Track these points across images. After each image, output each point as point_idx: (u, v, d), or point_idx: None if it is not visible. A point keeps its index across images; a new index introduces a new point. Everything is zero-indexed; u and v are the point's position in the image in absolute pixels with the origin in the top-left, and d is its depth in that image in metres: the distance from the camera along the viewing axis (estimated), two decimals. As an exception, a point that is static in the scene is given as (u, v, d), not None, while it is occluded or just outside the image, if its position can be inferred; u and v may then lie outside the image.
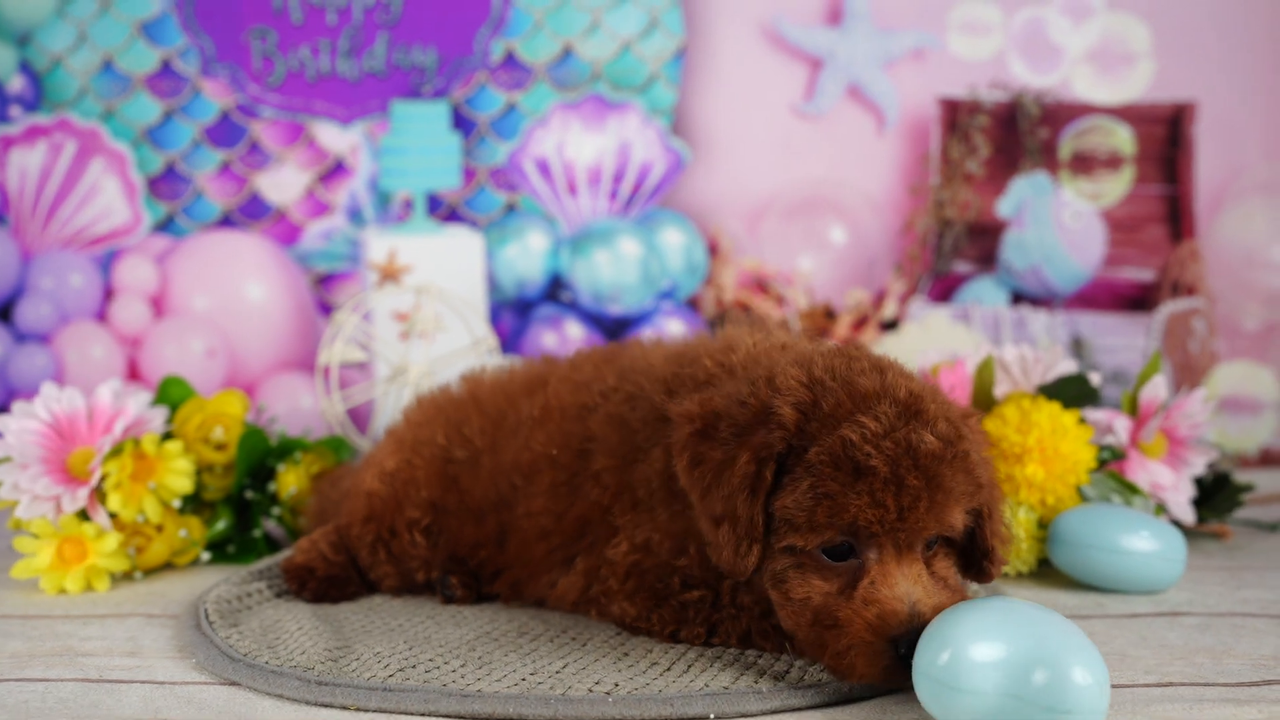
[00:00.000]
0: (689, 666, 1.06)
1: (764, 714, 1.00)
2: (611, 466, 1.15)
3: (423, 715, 1.00)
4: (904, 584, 0.98)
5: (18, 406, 1.40)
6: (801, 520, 0.98)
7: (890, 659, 0.96)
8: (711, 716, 0.99)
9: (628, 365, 1.22)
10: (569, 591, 1.18)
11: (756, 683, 1.02)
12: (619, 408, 1.17)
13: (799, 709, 1.01)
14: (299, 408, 1.87)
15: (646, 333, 1.32)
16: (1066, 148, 2.03)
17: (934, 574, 1.01)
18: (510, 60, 2.02)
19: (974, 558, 1.05)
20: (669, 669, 1.05)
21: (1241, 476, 1.64)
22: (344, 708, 1.01)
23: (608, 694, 0.99)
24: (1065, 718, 0.88)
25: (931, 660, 0.92)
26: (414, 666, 1.06)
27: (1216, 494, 1.53)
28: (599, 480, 1.16)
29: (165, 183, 2.00)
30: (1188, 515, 1.45)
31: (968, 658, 0.90)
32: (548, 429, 1.22)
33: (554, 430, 1.21)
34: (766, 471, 0.99)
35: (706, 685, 1.02)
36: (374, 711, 1.01)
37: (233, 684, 1.08)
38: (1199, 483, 1.53)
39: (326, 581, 1.29)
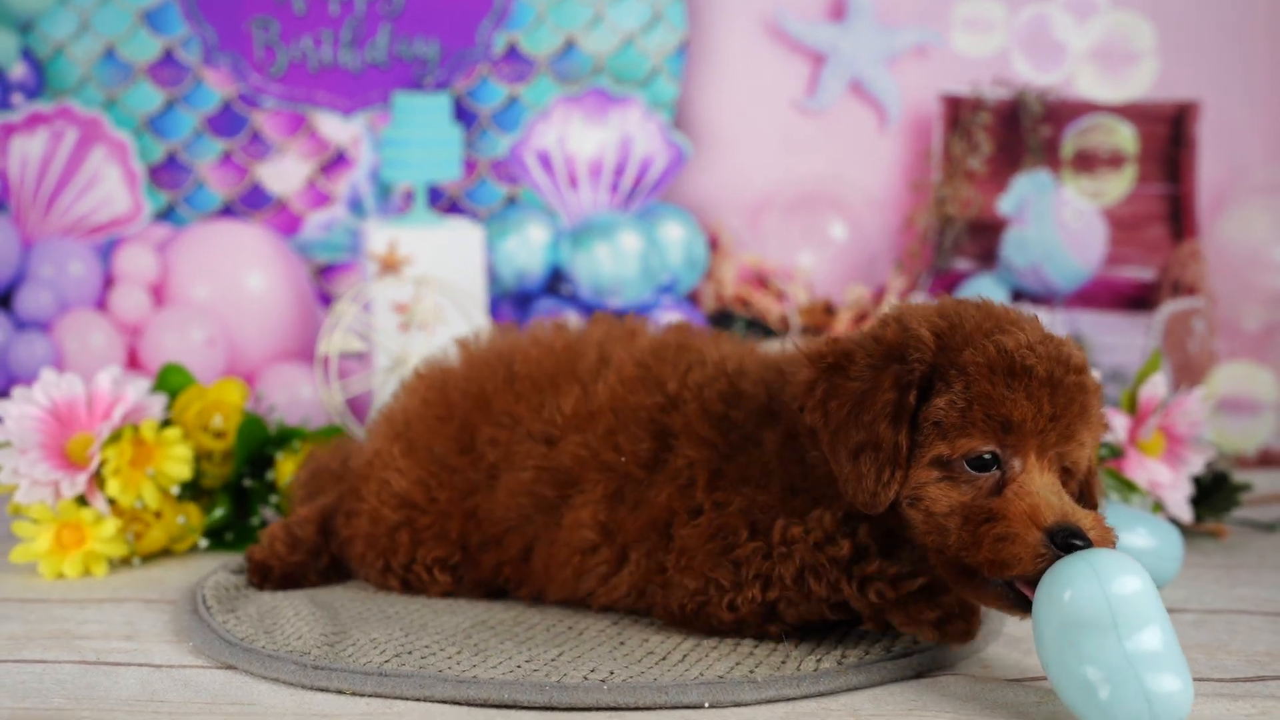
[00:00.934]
0: (684, 656, 1.06)
1: (759, 703, 1.00)
2: (704, 458, 1.10)
3: (418, 700, 1.00)
4: (1050, 488, 0.98)
5: (17, 392, 1.40)
6: (954, 420, 0.98)
7: (1047, 550, 0.95)
8: (706, 705, 0.99)
9: (709, 361, 1.17)
10: (620, 584, 1.14)
11: (752, 672, 1.02)
12: (713, 404, 1.13)
13: (793, 699, 1.01)
14: (298, 398, 1.88)
15: (692, 326, 1.25)
16: (1069, 146, 2.03)
17: None
18: (512, 53, 2.02)
19: (1080, 503, 1.04)
20: (664, 658, 1.05)
21: (1239, 476, 1.64)
22: (339, 692, 1.02)
23: (603, 682, 1.00)
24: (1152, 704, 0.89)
25: (1054, 601, 0.92)
26: (410, 652, 1.06)
27: (1214, 493, 1.54)
28: (679, 476, 1.11)
29: (166, 172, 2.00)
30: (1185, 513, 1.45)
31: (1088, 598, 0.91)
32: (596, 432, 1.15)
33: (608, 434, 1.15)
34: (909, 397, 0.99)
35: (701, 674, 1.02)
36: (369, 696, 1.01)
37: (229, 668, 1.08)
38: (1197, 482, 1.53)
39: (283, 579, 1.28)
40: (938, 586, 1.04)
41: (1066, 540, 0.95)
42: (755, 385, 1.14)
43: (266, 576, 1.28)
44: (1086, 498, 1.05)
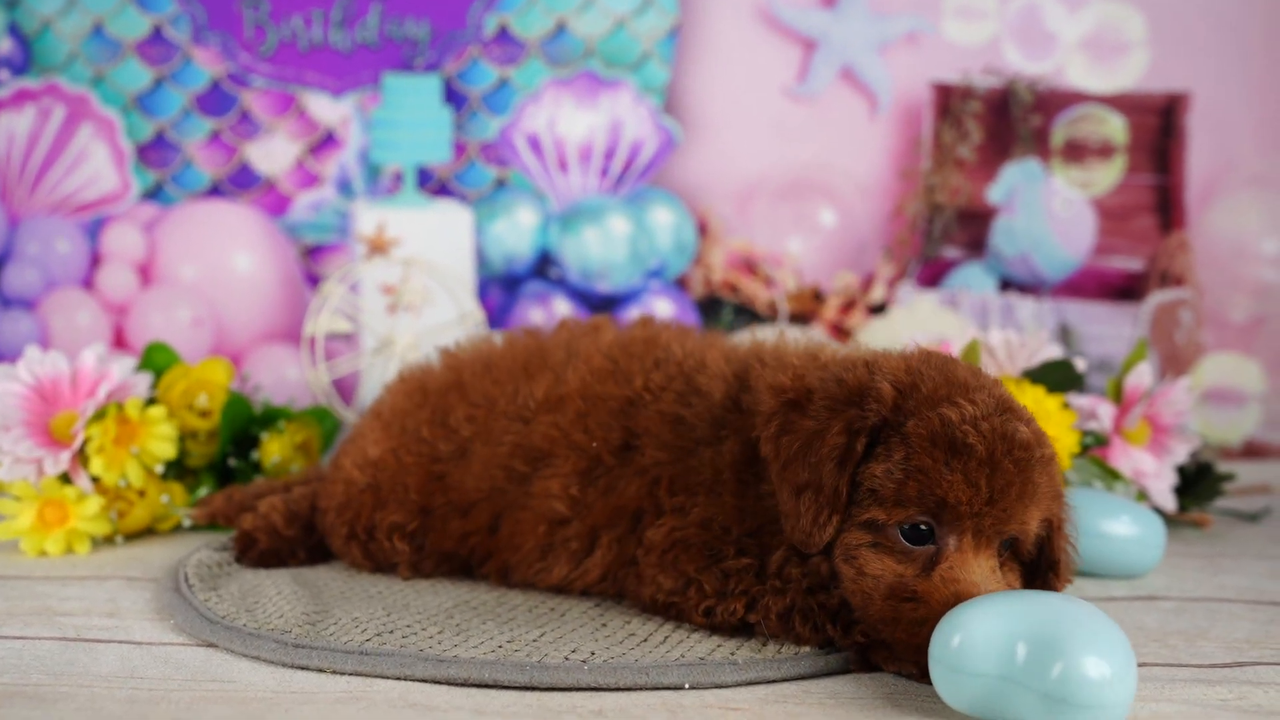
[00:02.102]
0: (665, 638, 1.06)
1: (739, 685, 1.00)
2: (664, 460, 1.13)
3: (398, 679, 1.00)
4: (980, 573, 0.97)
5: (1, 369, 1.39)
6: (889, 492, 0.98)
7: None
8: (686, 686, 0.99)
9: (672, 360, 1.19)
10: (593, 569, 1.15)
11: (733, 655, 1.03)
12: (672, 406, 1.15)
13: (774, 681, 1.01)
14: (284, 378, 1.87)
15: (656, 316, 1.28)
16: (1059, 135, 2.03)
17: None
18: (503, 35, 2.01)
19: (1038, 570, 1.04)
20: (645, 640, 1.06)
21: (1224, 467, 1.64)
22: (320, 670, 1.02)
23: (584, 662, 1.00)
24: (1077, 712, 0.87)
25: (944, 645, 0.91)
26: (391, 632, 1.06)
27: (1198, 483, 1.54)
28: (646, 474, 1.14)
29: (154, 150, 1.99)
30: (1169, 502, 1.46)
31: (977, 640, 0.90)
32: (567, 414, 1.18)
33: (578, 417, 1.18)
34: (857, 444, 0.99)
35: (683, 656, 1.02)
36: (350, 675, 1.01)
37: (210, 645, 1.08)
38: (1181, 471, 1.54)
39: (268, 554, 1.28)
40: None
41: None
42: (713, 382, 1.15)
43: (249, 548, 1.28)
44: (1046, 559, 1.04)
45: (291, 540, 1.29)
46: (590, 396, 1.19)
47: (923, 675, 1.01)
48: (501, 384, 1.24)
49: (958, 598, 0.95)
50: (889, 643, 1.00)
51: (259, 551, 1.28)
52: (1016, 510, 0.98)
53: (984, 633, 0.90)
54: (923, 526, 0.99)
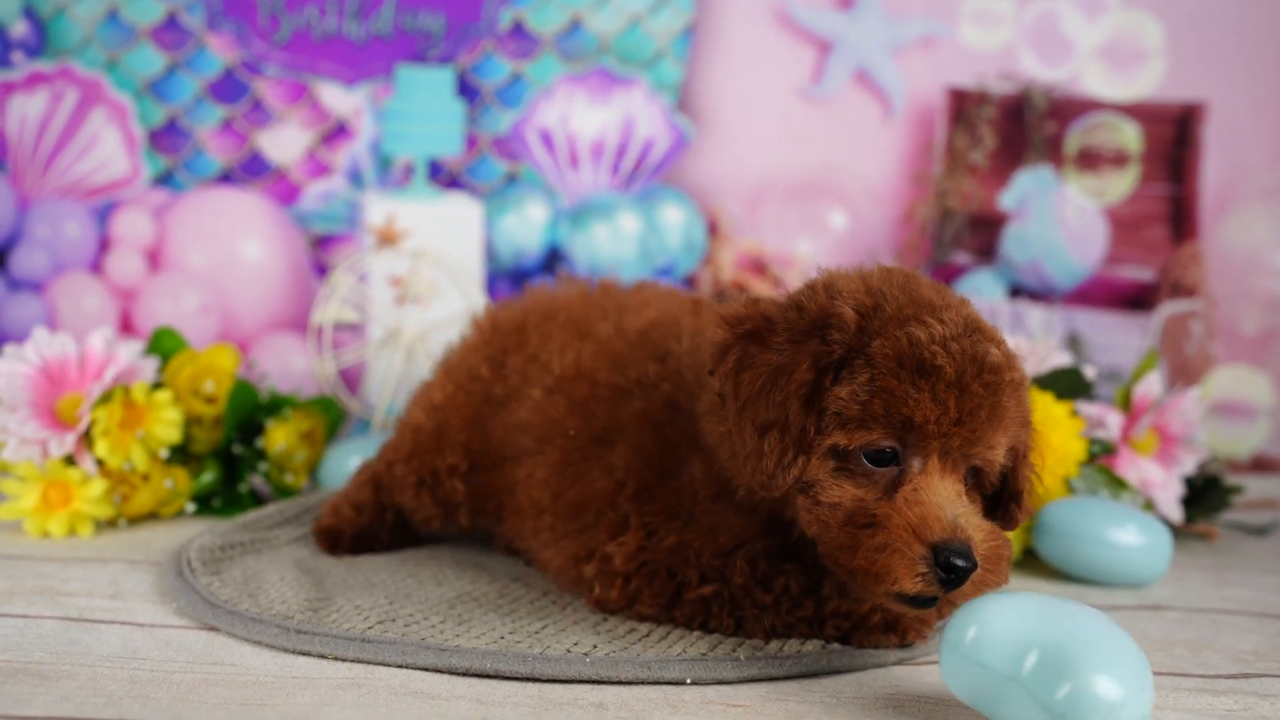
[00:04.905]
0: (667, 634, 1.06)
1: (740, 682, 1.00)
2: (637, 468, 1.09)
3: (400, 667, 1.00)
4: (945, 495, 0.92)
5: (9, 349, 1.39)
6: (854, 413, 0.92)
7: (927, 568, 0.90)
8: (688, 681, 0.99)
9: (669, 354, 1.15)
10: (560, 575, 1.14)
11: (734, 651, 1.02)
12: (660, 412, 1.10)
13: (775, 679, 1.01)
14: (291, 367, 1.87)
15: (670, 297, 1.26)
16: (1073, 143, 2.02)
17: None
18: (518, 29, 2.01)
19: (1001, 501, 1.00)
20: (647, 635, 1.05)
21: (1232, 480, 1.64)
22: (321, 656, 1.01)
23: (585, 655, 0.99)
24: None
25: (959, 634, 0.89)
26: (393, 620, 1.06)
27: (1206, 495, 1.54)
28: (612, 473, 1.10)
29: (166, 136, 1.99)
30: (1176, 513, 1.45)
31: (993, 634, 0.87)
32: (570, 396, 1.16)
33: (576, 403, 1.15)
34: (826, 379, 0.94)
35: (684, 651, 1.01)
36: (351, 661, 1.01)
37: (212, 629, 1.08)
38: (1189, 483, 1.53)
39: (355, 540, 1.28)
40: (893, 616, 1.04)
41: (948, 559, 0.89)
42: (689, 397, 1.10)
43: (337, 541, 1.28)
44: (1009, 489, 0.99)
45: (369, 525, 1.29)
46: (594, 381, 1.16)
47: (905, 644, 1.02)
48: (551, 338, 1.21)
49: (922, 521, 0.90)
50: (849, 576, 0.94)
51: (349, 539, 1.28)
52: (984, 433, 0.93)
53: (1001, 629, 0.87)
54: (885, 450, 0.93)
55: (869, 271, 1.00)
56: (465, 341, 1.31)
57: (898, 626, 1.04)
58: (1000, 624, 0.88)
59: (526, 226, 1.94)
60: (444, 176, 2.02)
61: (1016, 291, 2.01)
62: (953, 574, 0.90)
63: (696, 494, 1.07)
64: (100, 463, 1.38)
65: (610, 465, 1.10)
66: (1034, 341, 1.54)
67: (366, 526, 1.30)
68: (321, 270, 2.00)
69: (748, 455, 0.96)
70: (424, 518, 1.28)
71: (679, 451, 1.08)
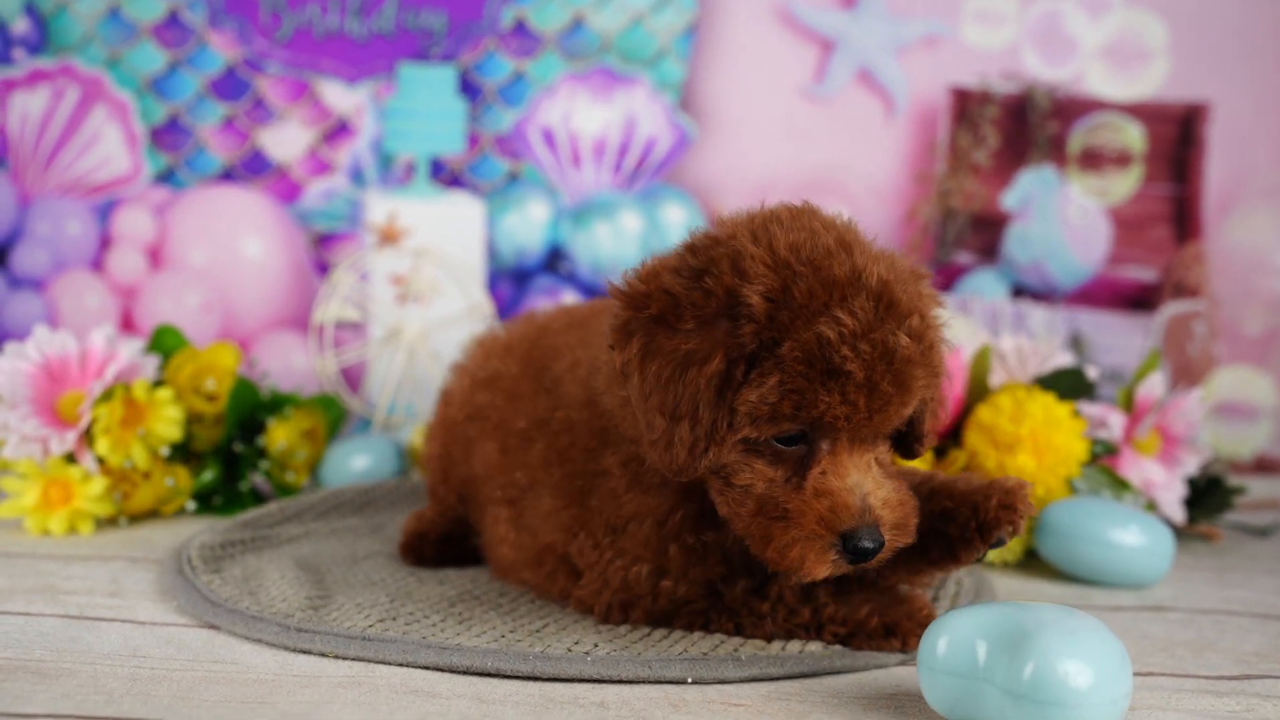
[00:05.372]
0: (668, 633, 1.06)
1: (742, 681, 0.99)
2: (561, 508, 1.08)
3: (400, 666, 0.99)
4: (855, 474, 0.94)
5: (10, 347, 1.39)
6: (764, 414, 0.93)
7: (837, 554, 0.94)
8: (689, 680, 0.98)
9: (555, 379, 1.13)
10: (545, 591, 1.14)
11: (736, 651, 1.02)
12: (560, 440, 1.09)
13: (777, 678, 1.00)
14: (292, 366, 1.87)
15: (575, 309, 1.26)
16: (1076, 143, 2.02)
17: (878, 462, 0.97)
18: (520, 28, 2.00)
19: (905, 439, 1.01)
20: (648, 634, 1.05)
21: (1234, 481, 1.63)
22: (322, 655, 1.01)
23: (586, 654, 0.99)
24: (1047, 710, 0.84)
25: (930, 650, 0.90)
26: (394, 619, 1.05)
27: (1208, 496, 1.53)
28: (547, 520, 1.09)
29: (167, 134, 1.99)
30: (1178, 514, 1.45)
31: (957, 642, 0.89)
32: (501, 447, 1.15)
33: (504, 453, 1.14)
34: (737, 371, 0.93)
35: (685, 650, 1.01)
36: (352, 660, 1.00)
37: (212, 627, 1.08)
38: (1191, 484, 1.53)
39: (442, 542, 1.26)
40: (888, 611, 1.04)
41: (857, 545, 0.93)
42: (582, 399, 1.08)
43: (423, 549, 1.25)
44: (913, 430, 1.00)
45: (456, 525, 1.27)
46: (511, 430, 1.14)
47: (905, 646, 1.03)
48: (546, 359, 1.18)
49: (831, 512, 0.93)
50: (762, 560, 0.97)
51: (433, 543, 1.26)
52: (894, 417, 0.95)
53: (968, 634, 0.88)
54: (796, 434, 0.94)
55: (773, 230, 0.96)
56: (468, 360, 1.29)
57: (897, 631, 1.04)
58: (967, 630, 0.89)
59: (528, 225, 1.94)
60: (446, 175, 2.02)
61: (1019, 291, 2.01)
62: (860, 556, 0.94)
63: (618, 497, 1.05)
64: (101, 460, 1.38)
65: (544, 512, 1.10)
66: (1036, 342, 1.53)
67: (452, 526, 1.27)
68: (323, 269, 2.00)
69: (655, 441, 0.95)
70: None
71: (586, 465, 1.07)
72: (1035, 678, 0.85)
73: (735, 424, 0.94)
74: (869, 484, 0.95)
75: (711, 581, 1.06)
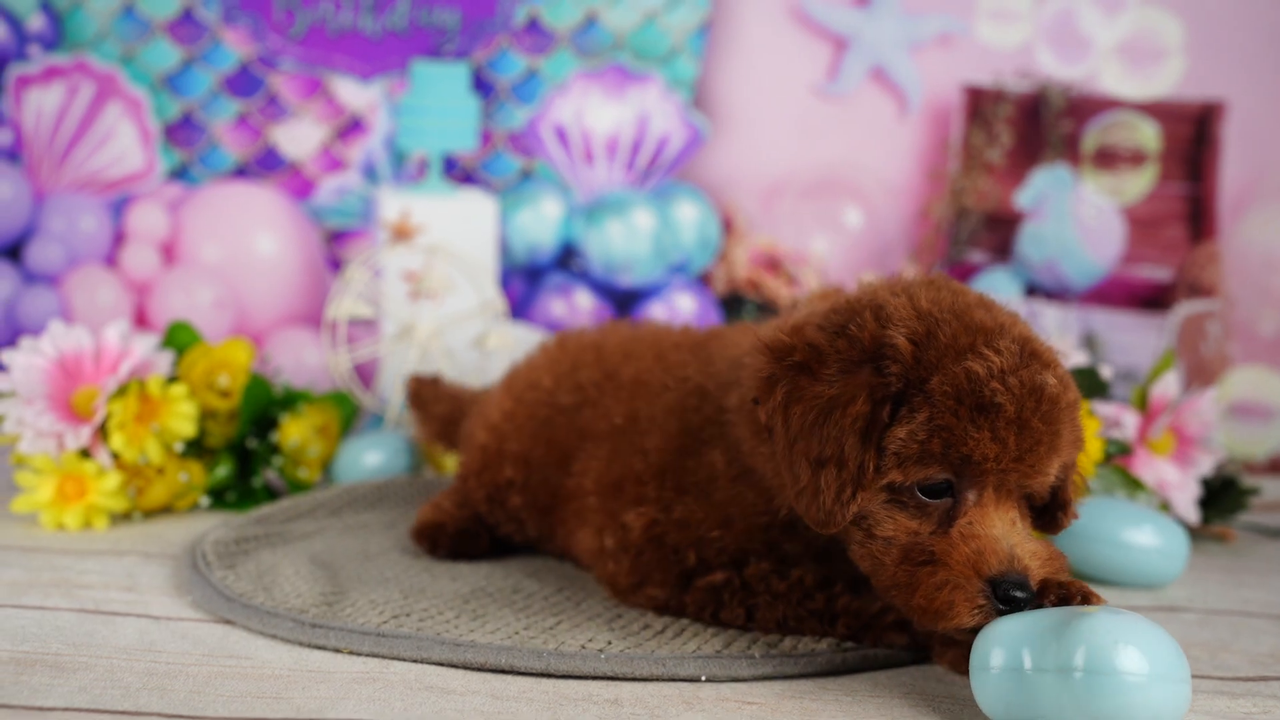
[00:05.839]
0: (682, 630, 1.05)
1: (755, 679, 0.99)
2: (660, 448, 1.11)
3: (414, 661, 0.99)
4: (1001, 527, 0.92)
5: (25, 342, 1.39)
6: (913, 453, 0.91)
7: (986, 601, 0.90)
8: (703, 678, 0.98)
9: (707, 356, 1.18)
10: (587, 552, 1.16)
11: (749, 649, 1.02)
12: (686, 398, 1.13)
13: (791, 677, 1.00)
14: (305, 362, 1.87)
15: (739, 323, 1.30)
16: (1090, 141, 2.01)
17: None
18: (533, 25, 2.00)
19: (1047, 510, 0.99)
20: (662, 631, 1.05)
21: (1249, 482, 1.63)
22: (336, 650, 1.01)
23: (600, 651, 0.99)
24: (1107, 678, 0.83)
25: (983, 659, 0.89)
26: (408, 615, 1.06)
27: (1222, 496, 1.53)
28: (645, 456, 1.12)
29: (181, 130, 1.99)
30: (1192, 514, 1.44)
31: (1009, 644, 0.87)
32: (627, 400, 1.18)
33: (629, 402, 1.18)
34: (882, 413, 0.92)
35: (699, 648, 1.01)
36: (366, 655, 1.01)
37: (227, 622, 1.08)
38: (1206, 484, 1.52)
39: (459, 537, 1.27)
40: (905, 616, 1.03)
41: (1007, 592, 0.90)
42: (719, 387, 1.12)
43: (438, 538, 1.27)
44: (1057, 499, 0.99)
45: (473, 521, 1.28)
46: (647, 384, 1.18)
47: (912, 639, 1.01)
48: (630, 359, 1.23)
49: (979, 555, 0.90)
50: (906, 610, 0.94)
51: (449, 536, 1.27)
52: (1043, 466, 0.93)
53: (1019, 636, 0.87)
54: (941, 482, 0.93)
55: (912, 288, 0.98)
56: (528, 360, 1.32)
57: (909, 626, 1.03)
58: (1019, 632, 0.88)
59: (541, 222, 1.94)
60: (459, 172, 2.02)
61: (1032, 290, 2.00)
62: (1011, 605, 0.90)
63: (716, 474, 1.07)
64: (115, 456, 1.38)
65: (643, 449, 1.12)
66: (1050, 341, 1.53)
67: (469, 522, 1.28)
68: (336, 265, 2.01)
69: (801, 490, 0.95)
70: (506, 532, 1.28)
71: (702, 434, 1.10)
72: (1091, 658, 0.84)
73: (882, 466, 0.93)
74: (1015, 536, 0.93)
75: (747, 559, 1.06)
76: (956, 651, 0.98)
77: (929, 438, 0.91)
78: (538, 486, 1.23)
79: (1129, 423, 1.44)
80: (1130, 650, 0.84)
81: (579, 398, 1.23)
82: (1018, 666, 0.87)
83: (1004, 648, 0.88)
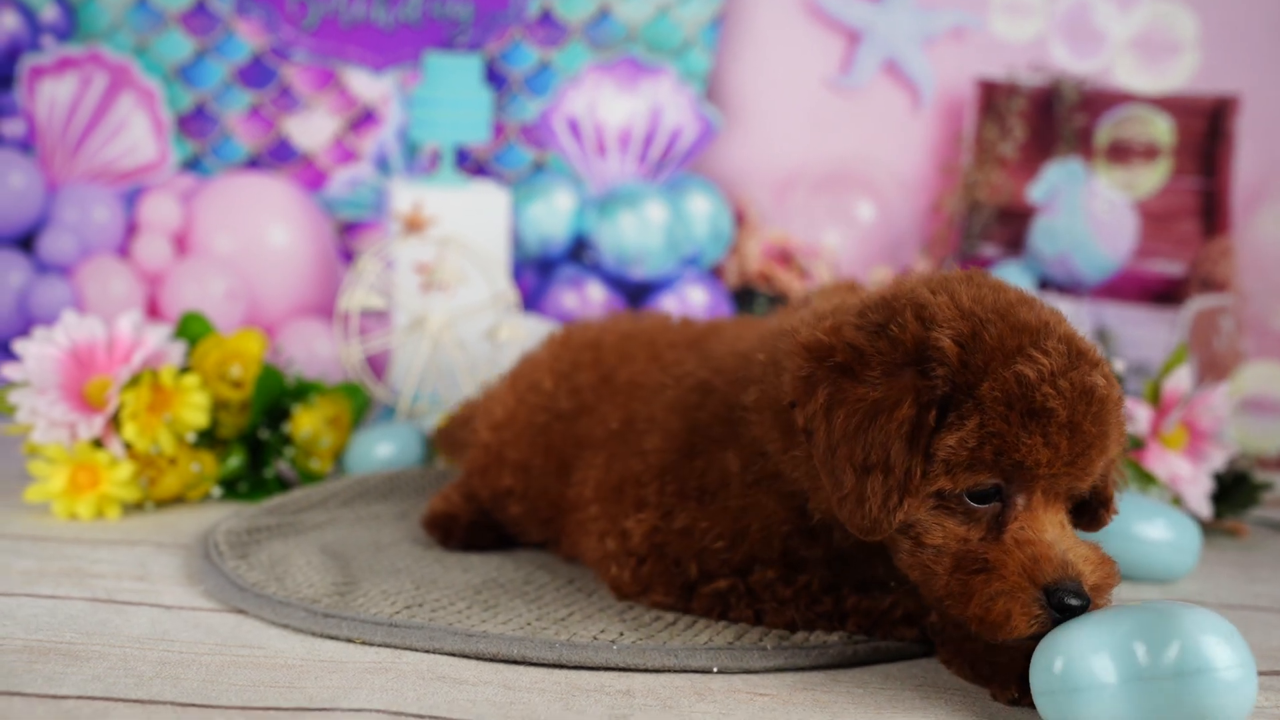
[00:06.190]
0: (693, 622, 1.05)
1: (767, 671, 0.99)
2: (662, 449, 1.09)
3: (427, 652, 1.00)
4: (1053, 531, 0.90)
5: (38, 332, 1.40)
6: (963, 460, 0.89)
7: (1042, 610, 0.88)
8: (715, 670, 0.98)
9: (708, 351, 1.16)
10: (590, 556, 1.14)
11: (761, 640, 1.02)
12: (688, 395, 1.10)
13: (802, 669, 1.00)
14: (316, 353, 1.87)
15: (727, 316, 1.28)
16: (1103, 135, 2.00)
17: None
18: (546, 17, 2.00)
19: (1088, 506, 0.97)
20: (674, 623, 1.05)
21: (1261, 476, 1.62)
22: (349, 640, 1.01)
23: (612, 643, 0.99)
24: (1204, 676, 0.81)
25: (1045, 674, 0.87)
26: (420, 605, 1.06)
27: (1234, 491, 1.52)
28: (645, 457, 1.10)
29: (194, 121, 1.99)
30: (1204, 509, 1.44)
31: (1080, 654, 0.85)
32: (624, 402, 1.16)
33: (626, 407, 1.16)
34: (929, 417, 0.89)
35: (710, 640, 1.01)
36: (378, 646, 1.01)
37: (240, 612, 1.08)
38: (1218, 479, 1.52)
39: (471, 528, 1.26)
40: (910, 600, 1.02)
41: (1062, 600, 0.88)
42: (726, 381, 1.09)
43: (450, 529, 1.27)
44: (1098, 497, 0.97)
45: (481, 511, 1.28)
46: (641, 385, 1.16)
47: (921, 633, 0.99)
48: (626, 359, 1.21)
49: (1034, 563, 0.88)
50: (960, 619, 0.91)
51: (463, 528, 1.26)
52: (1093, 467, 0.91)
53: (1089, 646, 0.85)
54: (989, 489, 0.91)
55: (951, 284, 0.95)
56: (533, 354, 1.31)
57: (919, 620, 1.03)
58: (1083, 642, 0.85)
59: (553, 215, 1.94)
60: (471, 164, 2.02)
61: (1044, 284, 1.99)
62: (1066, 613, 0.89)
63: (729, 478, 1.05)
64: (128, 446, 1.39)
65: (642, 449, 1.11)
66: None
67: (478, 515, 1.28)
68: (348, 256, 2.01)
69: (845, 497, 0.92)
70: (508, 529, 1.28)
71: (710, 433, 1.07)
72: (1183, 658, 0.82)
73: (930, 474, 0.90)
74: (1068, 541, 0.91)
75: (752, 567, 1.05)
76: (961, 663, 0.98)
77: (980, 445, 0.89)
78: (537, 496, 1.22)
79: (1141, 417, 1.43)
80: (1222, 645, 0.83)
81: (576, 403, 1.21)
82: (1108, 681, 0.84)
83: (1071, 660, 0.85)
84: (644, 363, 1.20)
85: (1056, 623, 0.89)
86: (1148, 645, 0.83)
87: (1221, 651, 0.83)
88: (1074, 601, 0.88)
